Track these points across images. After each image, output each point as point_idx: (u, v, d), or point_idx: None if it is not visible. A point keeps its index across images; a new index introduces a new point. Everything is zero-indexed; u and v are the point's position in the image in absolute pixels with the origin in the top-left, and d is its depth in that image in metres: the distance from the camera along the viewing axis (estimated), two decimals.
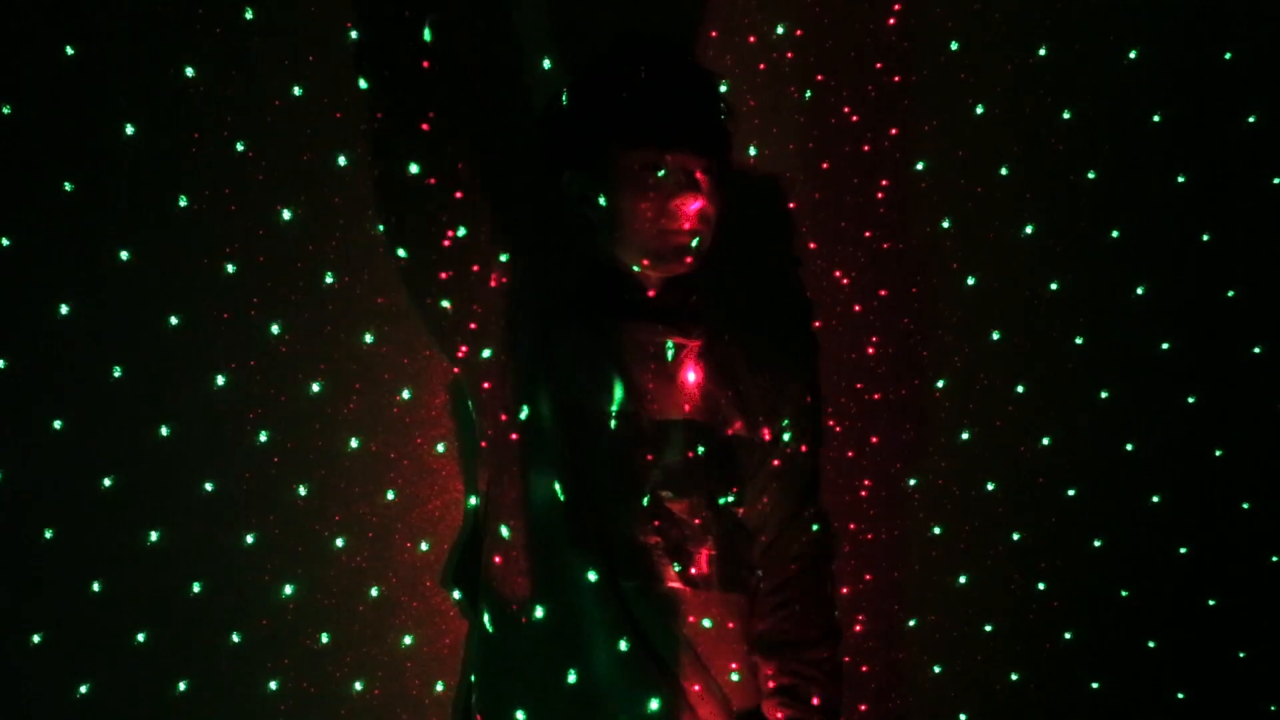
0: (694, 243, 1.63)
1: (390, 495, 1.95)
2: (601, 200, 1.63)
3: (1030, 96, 1.97)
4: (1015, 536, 2.15)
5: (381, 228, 1.75)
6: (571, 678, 1.62)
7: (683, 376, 1.68)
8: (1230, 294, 2.11)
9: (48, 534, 1.87)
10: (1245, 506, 2.20)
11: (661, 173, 1.58)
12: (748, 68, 1.88)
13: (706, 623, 1.64)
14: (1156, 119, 2.01)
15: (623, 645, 1.61)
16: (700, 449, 1.66)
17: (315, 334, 1.88)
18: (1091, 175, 2.01)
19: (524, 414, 1.66)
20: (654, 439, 1.65)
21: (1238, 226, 2.08)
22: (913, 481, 2.10)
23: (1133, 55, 1.97)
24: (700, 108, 1.62)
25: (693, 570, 1.65)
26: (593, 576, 1.61)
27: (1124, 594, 2.20)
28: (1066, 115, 1.98)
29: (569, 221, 1.71)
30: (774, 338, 1.95)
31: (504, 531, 1.68)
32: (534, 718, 1.64)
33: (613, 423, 1.64)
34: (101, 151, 1.76)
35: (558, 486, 1.63)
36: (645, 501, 1.63)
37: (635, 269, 1.68)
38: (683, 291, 1.71)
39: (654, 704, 1.59)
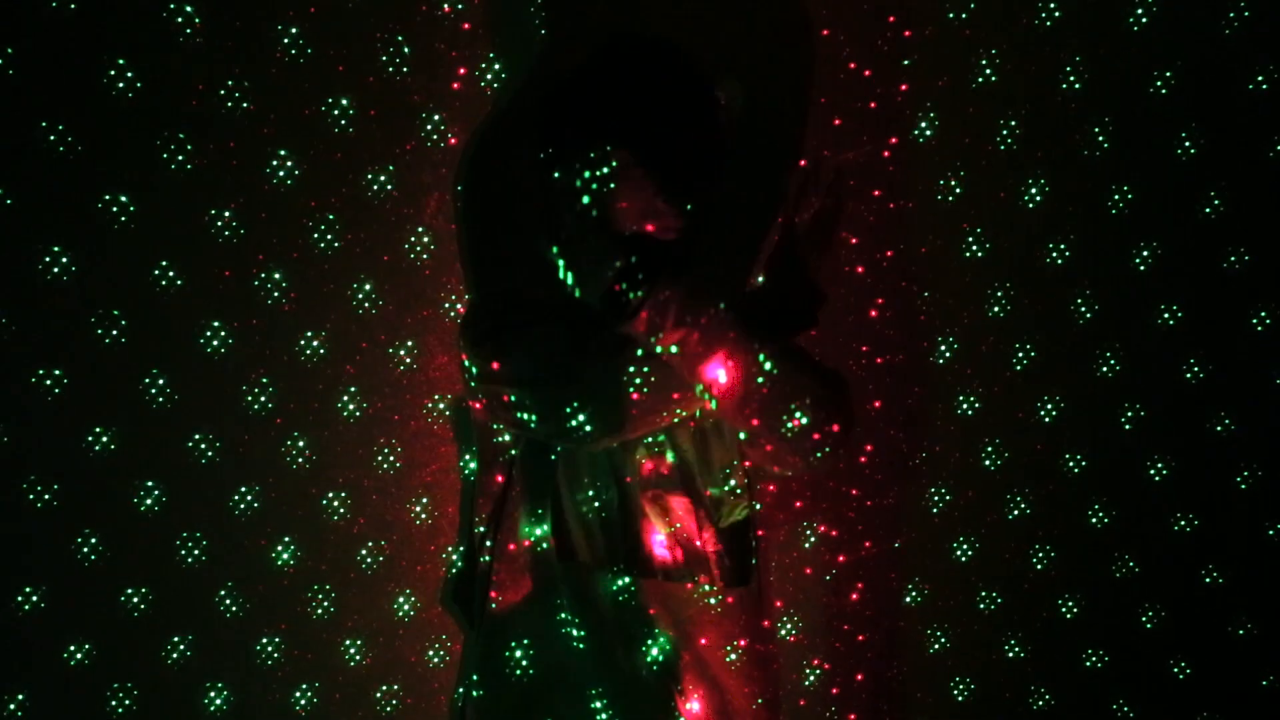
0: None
1: (390, 458, 1.93)
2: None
3: (1040, 56, 1.95)
4: (1014, 506, 2.15)
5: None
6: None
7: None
8: (1234, 259, 2.09)
9: (40, 493, 1.85)
10: (1245, 478, 2.20)
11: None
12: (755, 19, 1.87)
13: (710, 613, 1.61)
14: (1165, 79, 1.99)
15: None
16: (692, 443, 1.62)
17: (316, 292, 1.86)
18: (1100, 138, 1.99)
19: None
20: (645, 439, 1.61)
21: (1246, 192, 2.07)
22: (924, 454, 2.10)
23: (1144, 18, 1.95)
24: (677, 111, 1.53)
25: (696, 567, 1.62)
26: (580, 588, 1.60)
27: (1121, 568, 2.20)
28: (1075, 83, 1.97)
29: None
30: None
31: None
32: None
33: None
34: (100, 103, 1.73)
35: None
36: (642, 503, 1.60)
37: None
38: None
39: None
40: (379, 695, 2.01)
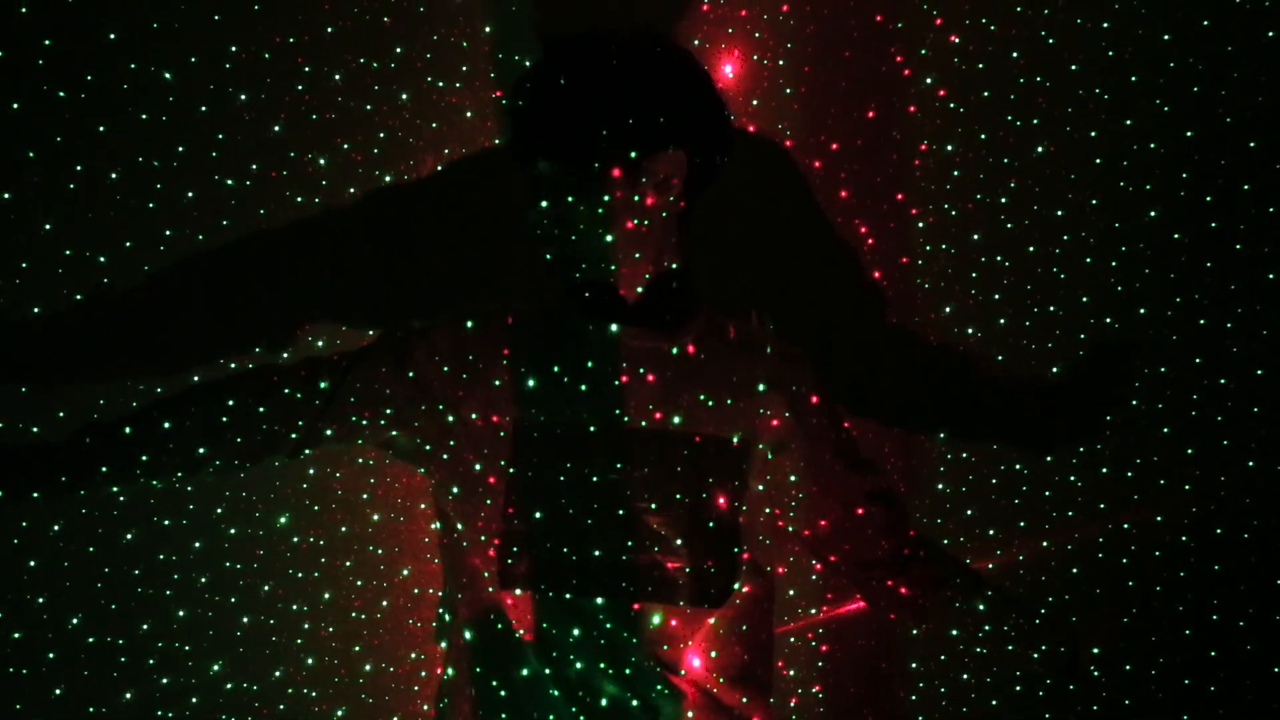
0: (603, 257, 1.55)
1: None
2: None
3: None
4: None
5: None
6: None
7: (659, 382, 1.58)
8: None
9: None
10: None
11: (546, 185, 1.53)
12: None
13: (686, 639, 1.57)
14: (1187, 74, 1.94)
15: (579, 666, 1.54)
16: (678, 458, 1.57)
17: None
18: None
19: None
20: (627, 451, 1.56)
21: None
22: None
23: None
24: (565, 116, 1.50)
25: (672, 586, 1.55)
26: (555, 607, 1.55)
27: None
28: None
29: None
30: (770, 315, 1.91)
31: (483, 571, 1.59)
32: None
33: (583, 437, 1.55)
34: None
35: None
36: (620, 518, 1.55)
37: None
38: (672, 290, 1.62)
39: None
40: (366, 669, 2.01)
